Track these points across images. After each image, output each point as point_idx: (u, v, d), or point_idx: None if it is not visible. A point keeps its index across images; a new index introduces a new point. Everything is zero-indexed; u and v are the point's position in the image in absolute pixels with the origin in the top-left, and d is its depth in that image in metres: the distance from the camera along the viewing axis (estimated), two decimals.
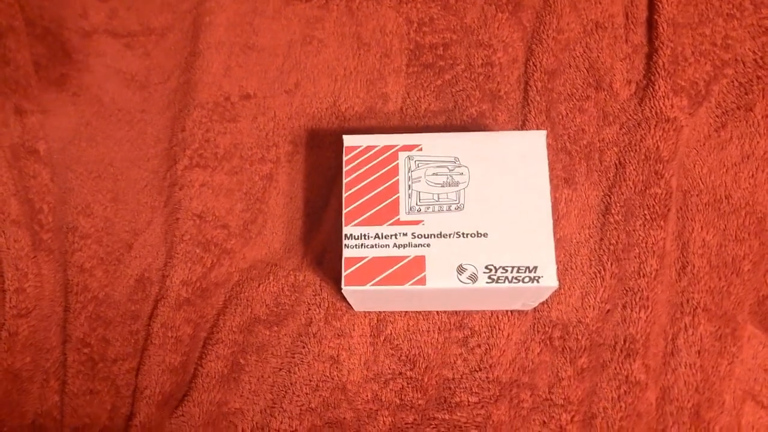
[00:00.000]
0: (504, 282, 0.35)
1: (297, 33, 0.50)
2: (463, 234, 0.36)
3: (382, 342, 0.43)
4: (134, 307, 0.46)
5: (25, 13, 0.51)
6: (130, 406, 0.44)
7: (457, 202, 0.36)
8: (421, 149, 0.37)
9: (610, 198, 0.45)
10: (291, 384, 0.43)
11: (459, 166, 0.37)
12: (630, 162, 0.45)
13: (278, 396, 0.43)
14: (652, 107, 0.46)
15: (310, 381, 0.43)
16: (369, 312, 0.44)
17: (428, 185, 0.37)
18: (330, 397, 0.43)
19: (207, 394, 0.43)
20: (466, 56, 0.49)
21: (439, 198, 0.37)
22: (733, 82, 0.47)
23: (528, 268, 0.35)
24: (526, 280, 0.35)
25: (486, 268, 0.35)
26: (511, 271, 0.35)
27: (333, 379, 0.43)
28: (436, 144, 0.37)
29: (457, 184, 0.37)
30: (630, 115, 0.46)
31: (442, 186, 0.37)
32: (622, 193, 0.45)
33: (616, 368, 0.42)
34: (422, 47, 0.49)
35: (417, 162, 0.37)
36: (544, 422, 0.41)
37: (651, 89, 0.46)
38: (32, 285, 0.44)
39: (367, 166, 0.37)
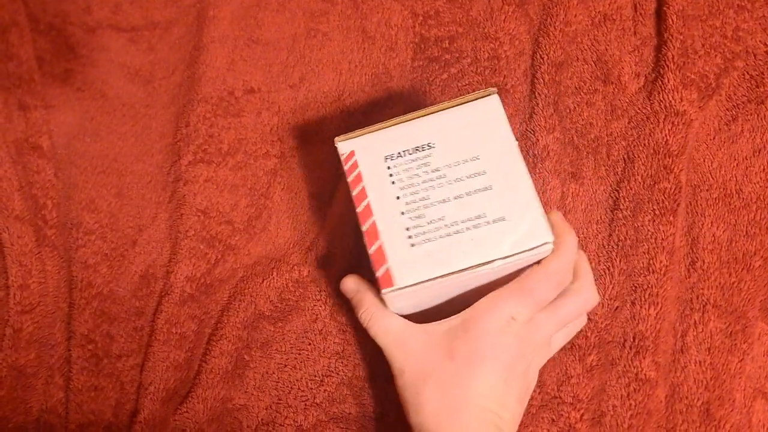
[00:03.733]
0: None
1: (301, 26, 0.50)
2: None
3: None
4: (138, 303, 0.45)
5: (29, 8, 0.51)
6: (134, 402, 0.44)
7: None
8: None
9: (618, 193, 0.44)
10: (297, 380, 0.43)
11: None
12: (638, 156, 0.45)
13: (283, 392, 0.43)
14: (661, 101, 0.45)
15: (315, 376, 0.43)
16: None
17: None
18: (335, 392, 0.42)
19: (211, 391, 0.43)
20: (473, 49, 0.48)
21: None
22: (744, 74, 0.46)
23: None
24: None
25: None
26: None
27: (338, 374, 0.43)
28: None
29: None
30: (638, 108, 0.46)
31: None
32: (631, 188, 0.44)
33: (625, 366, 0.41)
34: (428, 40, 0.49)
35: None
36: (553, 420, 0.41)
37: (660, 82, 0.45)
38: (36, 281, 0.44)
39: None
